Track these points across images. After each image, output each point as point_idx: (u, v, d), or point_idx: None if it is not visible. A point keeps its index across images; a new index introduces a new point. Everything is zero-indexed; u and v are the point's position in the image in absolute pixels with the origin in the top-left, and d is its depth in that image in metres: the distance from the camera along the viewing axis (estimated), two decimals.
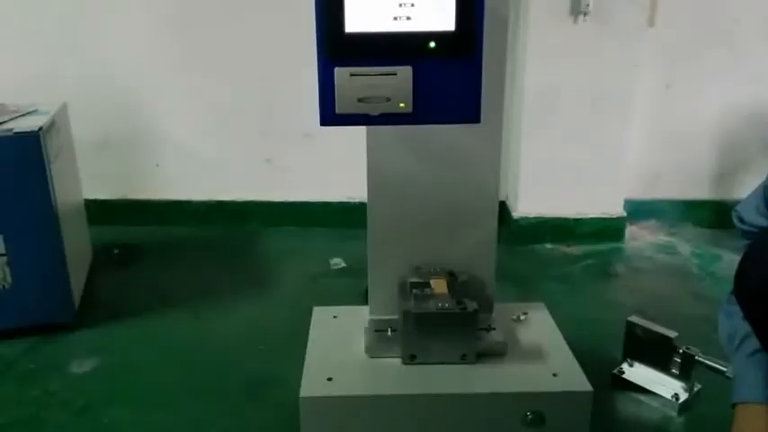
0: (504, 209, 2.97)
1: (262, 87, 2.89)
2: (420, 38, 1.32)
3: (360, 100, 1.33)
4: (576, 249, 2.87)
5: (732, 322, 1.54)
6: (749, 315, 1.45)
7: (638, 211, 3.05)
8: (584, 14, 2.61)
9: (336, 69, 1.32)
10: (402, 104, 1.34)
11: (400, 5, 1.30)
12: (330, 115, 1.35)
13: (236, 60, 2.86)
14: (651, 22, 2.74)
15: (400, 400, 1.58)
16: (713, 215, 3.03)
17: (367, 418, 1.58)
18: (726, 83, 2.92)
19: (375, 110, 1.34)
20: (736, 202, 1.60)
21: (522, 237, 2.90)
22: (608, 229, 2.92)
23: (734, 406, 1.50)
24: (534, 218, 2.91)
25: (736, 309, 1.50)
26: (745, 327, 1.49)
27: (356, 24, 1.31)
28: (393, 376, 1.63)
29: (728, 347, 1.55)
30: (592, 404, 1.57)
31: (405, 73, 1.33)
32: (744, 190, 2.92)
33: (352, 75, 1.32)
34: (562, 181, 2.86)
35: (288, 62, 2.77)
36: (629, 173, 2.94)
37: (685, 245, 2.92)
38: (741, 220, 1.56)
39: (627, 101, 2.78)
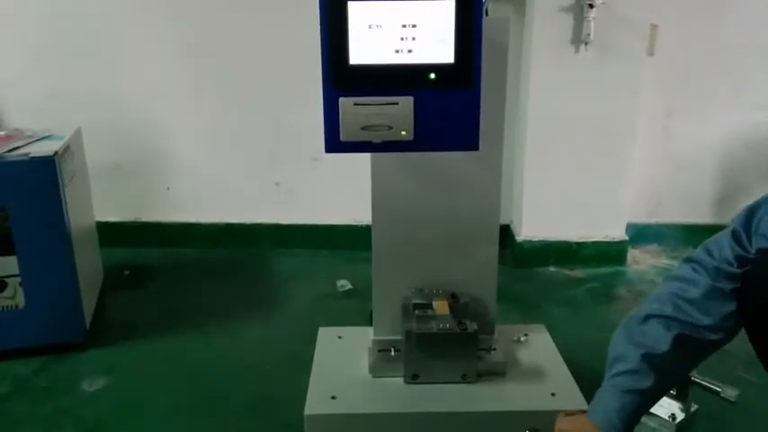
0: (508, 232, 3.01)
1: (271, 112, 2.95)
2: (421, 70, 1.38)
3: (363, 128, 1.39)
4: (578, 272, 2.90)
5: (626, 348, 1.37)
6: (751, 337, 1.35)
7: (641, 234, 3.09)
8: (586, 44, 2.67)
9: (341, 99, 1.38)
10: (403, 132, 1.40)
11: (402, 39, 1.36)
12: (335, 142, 1.41)
13: (246, 86, 2.92)
14: (651, 51, 2.79)
15: (402, 418, 1.62)
16: None
17: None
18: (726, 109, 2.98)
19: (378, 137, 1.40)
20: None
21: (526, 260, 2.94)
22: (610, 253, 2.96)
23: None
24: (538, 241, 2.95)
25: (640, 338, 1.36)
26: (634, 358, 1.34)
27: (360, 57, 1.37)
28: (396, 395, 1.67)
29: (608, 369, 1.41)
30: None
31: (406, 103, 1.39)
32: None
33: (356, 104, 1.38)
34: (565, 205, 2.90)
35: (296, 88, 2.83)
36: (632, 197, 2.98)
37: None
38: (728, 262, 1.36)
39: (628, 128, 2.82)
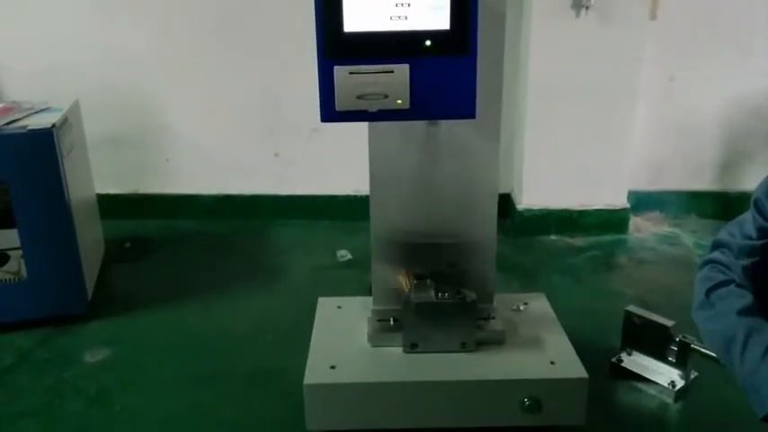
0: (508, 201, 3.01)
1: (269, 83, 2.93)
2: (416, 37, 1.36)
3: (359, 97, 1.38)
4: (579, 241, 2.90)
5: (723, 324, 1.32)
6: None
7: (642, 202, 3.08)
8: (586, 8, 2.63)
9: (336, 68, 1.36)
10: (399, 101, 1.38)
11: (397, 5, 1.34)
12: (330, 112, 1.40)
13: (245, 57, 2.91)
14: (653, 15, 2.75)
15: (401, 387, 1.62)
16: (717, 206, 3.05)
17: (369, 404, 1.62)
18: (729, 74, 2.94)
19: (373, 106, 1.38)
20: (741, 193, 1.48)
21: (527, 228, 2.93)
22: (612, 221, 2.95)
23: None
24: (539, 210, 2.94)
25: (723, 307, 1.32)
26: (742, 324, 1.28)
27: (354, 24, 1.35)
28: (395, 364, 1.67)
29: (727, 354, 1.30)
30: (587, 391, 1.61)
31: (402, 71, 1.37)
32: (747, 181, 2.97)
33: (351, 73, 1.37)
34: (566, 173, 2.89)
35: (295, 58, 2.82)
36: (633, 164, 2.97)
37: (689, 236, 2.95)
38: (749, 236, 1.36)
39: (630, 93, 2.80)
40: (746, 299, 1.32)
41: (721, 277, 1.36)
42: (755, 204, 1.33)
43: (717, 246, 1.42)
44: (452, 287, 1.69)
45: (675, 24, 2.85)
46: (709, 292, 1.37)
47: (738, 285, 1.35)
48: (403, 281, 1.71)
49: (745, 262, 1.34)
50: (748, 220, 1.35)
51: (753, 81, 2.96)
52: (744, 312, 1.30)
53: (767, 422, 1.22)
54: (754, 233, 1.33)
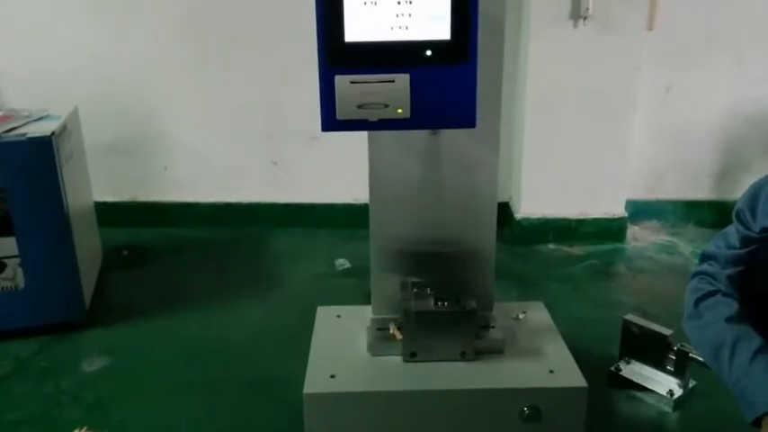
0: (507, 210, 3.01)
1: (269, 91, 2.94)
2: (417, 47, 1.36)
3: (359, 106, 1.38)
4: (578, 249, 2.90)
5: (711, 332, 1.35)
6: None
7: (640, 211, 3.09)
8: (584, 18, 2.65)
9: (337, 77, 1.37)
10: (400, 110, 1.39)
11: (397, 16, 1.34)
12: (331, 121, 1.40)
13: (244, 65, 2.91)
14: (650, 26, 2.77)
15: (401, 396, 1.62)
16: (714, 215, 3.05)
17: (369, 413, 1.62)
18: (726, 84, 2.96)
19: (374, 116, 1.38)
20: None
21: (525, 237, 2.94)
22: (610, 230, 2.96)
23: (757, 421, 1.25)
24: (537, 219, 2.94)
25: (712, 316, 1.37)
26: (730, 331, 1.32)
27: (355, 34, 1.35)
28: (394, 373, 1.67)
29: (716, 362, 1.34)
30: (587, 400, 1.61)
31: (402, 80, 1.37)
32: (745, 190, 2.97)
33: (351, 82, 1.37)
34: (564, 182, 2.90)
35: (294, 66, 2.82)
36: (631, 174, 2.97)
37: (686, 245, 2.95)
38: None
39: (628, 103, 2.81)
40: (733, 307, 1.36)
41: (709, 288, 1.40)
42: (737, 215, 1.37)
43: (704, 258, 1.46)
44: (452, 296, 1.69)
45: (672, 34, 2.87)
46: (697, 302, 1.41)
47: (725, 294, 1.38)
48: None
49: (731, 271, 1.37)
50: (732, 232, 1.39)
51: (749, 90, 2.97)
52: (731, 320, 1.34)
53: (756, 426, 1.25)
54: (737, 243, 1.36)
